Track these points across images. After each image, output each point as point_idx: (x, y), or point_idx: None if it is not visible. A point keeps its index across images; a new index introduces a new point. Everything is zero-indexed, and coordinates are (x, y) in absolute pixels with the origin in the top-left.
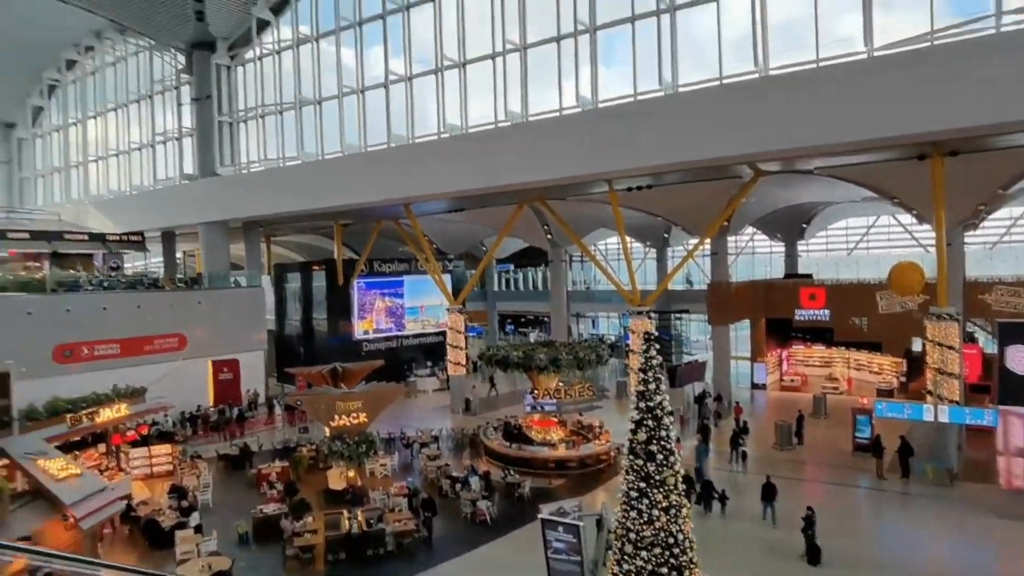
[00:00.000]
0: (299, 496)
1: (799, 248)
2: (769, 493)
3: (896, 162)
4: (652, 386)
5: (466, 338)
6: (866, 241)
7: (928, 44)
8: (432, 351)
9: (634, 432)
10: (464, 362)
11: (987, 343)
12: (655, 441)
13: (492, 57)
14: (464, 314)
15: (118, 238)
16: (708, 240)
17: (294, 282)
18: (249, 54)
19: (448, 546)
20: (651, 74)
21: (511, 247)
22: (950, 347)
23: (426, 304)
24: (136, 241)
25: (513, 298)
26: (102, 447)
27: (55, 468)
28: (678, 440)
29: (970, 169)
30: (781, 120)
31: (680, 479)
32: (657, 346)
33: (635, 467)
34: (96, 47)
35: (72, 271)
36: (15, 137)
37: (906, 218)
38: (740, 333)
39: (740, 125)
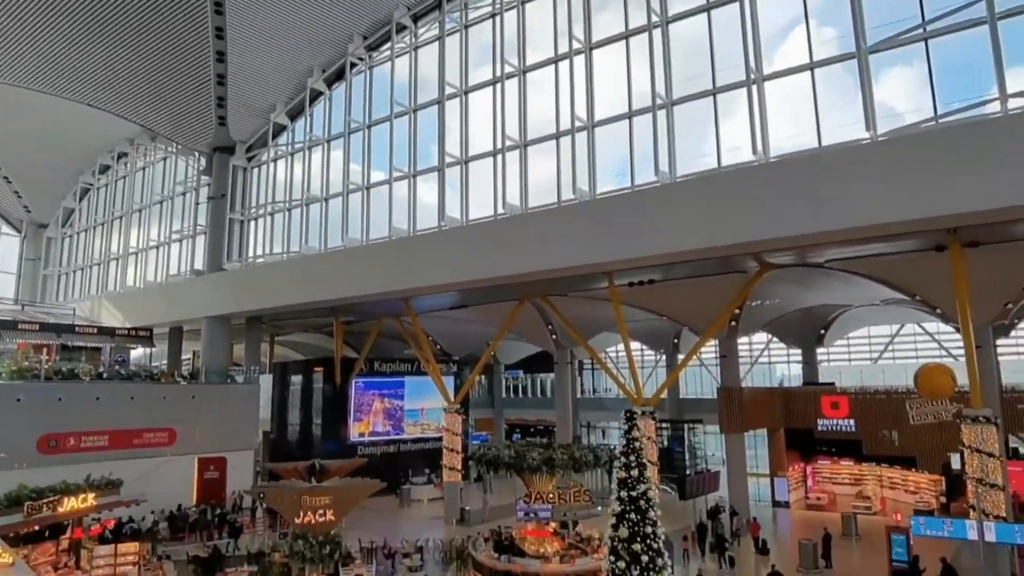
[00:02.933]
0: None
1: (819, 356)
2: None
3: (913, 254)
4: (635, 472)
5: (465, 443)
6: (891, 351)
7: (933, 124)
8: (432, 457)
9: (615, 527)
10: (460, 467)
11: None
12: (639, 539)
13: (493, 154)
14: (462, 416)
15: (127, 332)
16: (716, 342)
17: (295, 383)
18: (264, 156)
19: None
20: (648, 167)
21: (521, 351)
22: (989, 454)
23: (427, 407)
24: (144, 336)
25: (522, 406)
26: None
27: None
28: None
29: (993, 263)
30: (783, 206)
31: None
32: (640, 426)
33: (616, 572)
34: (129, 153)
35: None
36: (45, 236)
37: (933, 326)
38: (760, 451)
39: (740, 212)
